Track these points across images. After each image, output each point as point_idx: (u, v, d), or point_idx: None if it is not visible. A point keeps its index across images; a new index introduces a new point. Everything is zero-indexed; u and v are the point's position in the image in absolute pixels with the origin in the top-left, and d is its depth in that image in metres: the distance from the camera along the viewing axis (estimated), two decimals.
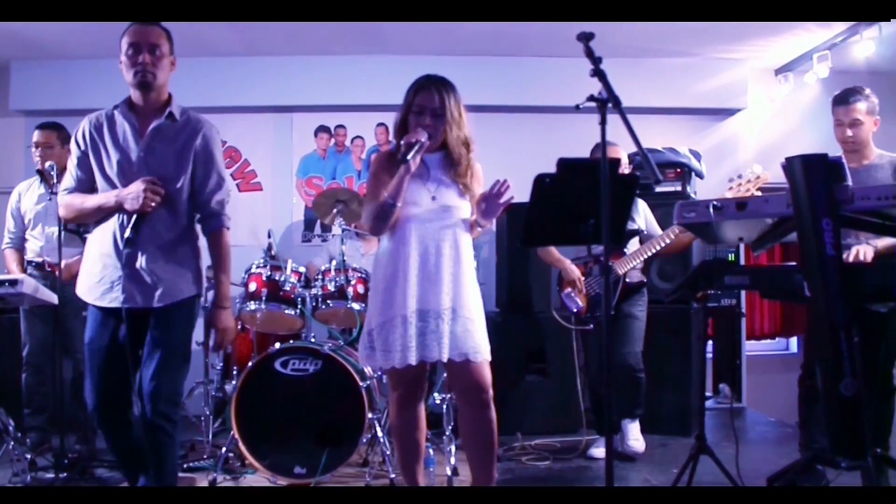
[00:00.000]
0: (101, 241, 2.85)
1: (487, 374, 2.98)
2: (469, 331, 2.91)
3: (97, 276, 2.84)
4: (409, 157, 2.86)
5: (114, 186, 2.84)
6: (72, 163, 2.93)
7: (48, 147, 4.39)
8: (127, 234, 2.77)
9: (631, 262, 4.29)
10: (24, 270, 4.38)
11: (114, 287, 2.80)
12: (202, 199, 2.94)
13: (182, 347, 2.92)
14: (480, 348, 2.93)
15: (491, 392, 2.99)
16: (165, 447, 2.83)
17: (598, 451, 4.43)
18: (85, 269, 2.90)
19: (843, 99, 3.66)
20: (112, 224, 2.83)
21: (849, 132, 3.63)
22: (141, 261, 2.81)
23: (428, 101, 2.97)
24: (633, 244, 4.43)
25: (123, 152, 2.85)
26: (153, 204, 2.77)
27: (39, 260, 4.36)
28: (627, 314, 4.41)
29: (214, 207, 2.96)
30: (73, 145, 2.93)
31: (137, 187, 2.75)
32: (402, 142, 2.93)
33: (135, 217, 2.77)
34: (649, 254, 4.26)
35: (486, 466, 3.05)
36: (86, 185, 2.90)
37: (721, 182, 6.09)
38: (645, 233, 4.43)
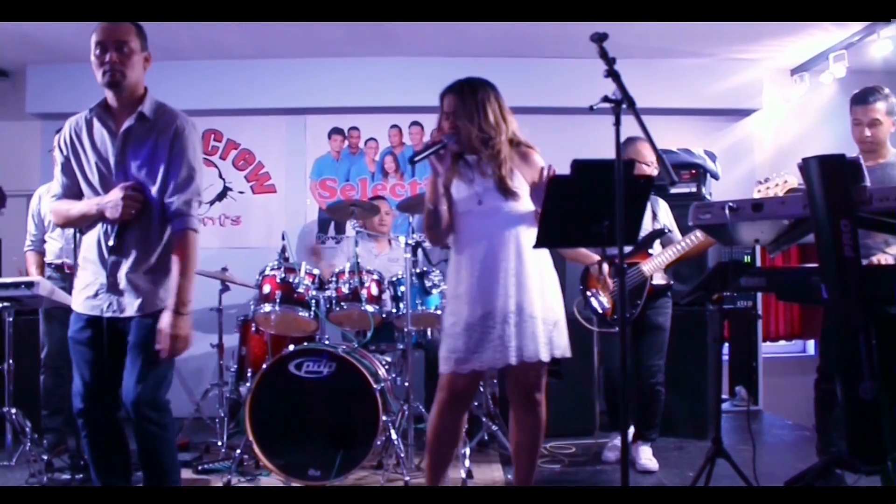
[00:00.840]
0: (88, 248, 2.82)
1: (540, 374, 2.99)
2: (536, 331, 2.89)
3: (83, 283, 2.81)
4: (416, 159, 2.90)
5: (96, 193, 2.78)
6: (56, 169, 2.86)
7: None
8: (111, 242, 2.73)
9: (659, 263, 4.22)
10: (43, 273, 4.41)
11: (98, 295, 2.76)
12: (167, 197, 2.75)
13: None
14: (546, 349, 2.90)
15: (543, 393, 3.02)
16: (157, 449, 2.77)
17: (612, 454, 4.41)
18: (77, 277, 2.88)
19: (863, 98, 3.62)
20: (97, 231, 2.78)
21: (867, 132, 3.60)
22: (124, 269, 2.74)
23: (446, 106, 3.00)
24: (658, 245, 4.38)
25: (101, 157, 2.77)
26: (133, 211, 2.69)
27: (59, 262, 4.38)
28: (655, 325, 4.33)
29: (179, 207, 2.74)
30: (55, 151, 2.85)
31: (116, 195, 2.68)
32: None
33: (117, 225, 2.72)
34: (675, 254, 4.19)
35: (528, 466, 3.09)
36: (71, 190, 2.83)
37: (736, 183, 6.12)
38: (670, 234, 4.38)
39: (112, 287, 2.75)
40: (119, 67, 2.69)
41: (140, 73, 2.77)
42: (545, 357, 2.90)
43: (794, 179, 3.60)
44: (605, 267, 4.28)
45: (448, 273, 3.09)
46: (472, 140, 2.94)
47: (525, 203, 2.96)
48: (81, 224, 2.84)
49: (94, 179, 2.78)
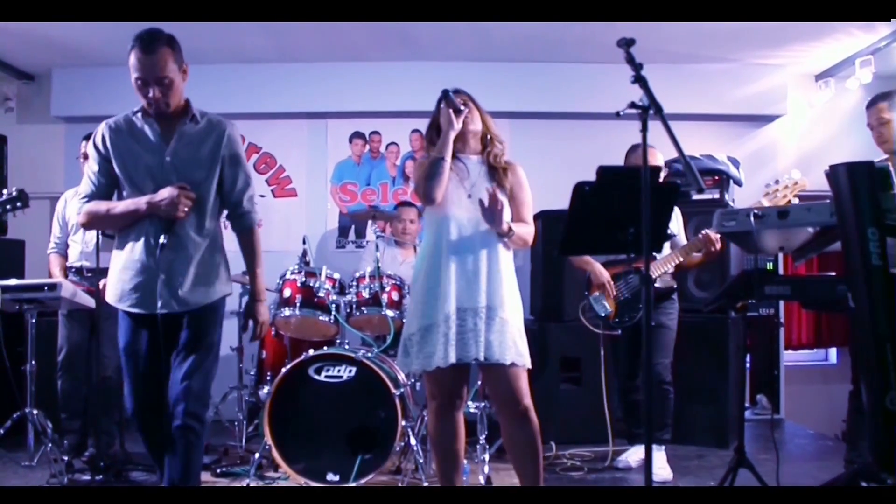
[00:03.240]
0: (133, 247, 2.83)
1: (522, 383, 2.93)
2: (504, 332, 2.88)
3: (130, 283, 2.83)
4: (450, 95, 2.96)
5: (141, 192, 2.81)
6: (90, 168, 2.89)
7: None
8: (162, 240, 2.76)
9: (662, 268, 4.22)
10: (66, 276, 4.43)
11: (149, 293, 2.80)
12: (234, 198, 2.97)
13: (214, 347, 2.93)
14: (513, 352, 2.88)
15: (528, 402, 2.95)
16: (193, 447, 2.83)
17: (623, 462, 4.40)
18: (115, 275, 2.88)
19: (870, 102, 3.79)
20: (141, 230, 2.82)
21: (882, 131, 3.71)
22: (175, 265, 2.81)
23: (459, 98, 3.05)
24: (666, 249, 4.36)
25: (150, 157, 2.83)
26: (186, 209, 2.78)
27: (79, 265, 4.40)
28: (658, 323, 4.30)
29: (246, 206, 3.00)
30: (90, 150, 2.89)
31: (171, 193, 2.75)
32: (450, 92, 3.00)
33: (164, 223, 2.78)
34: (677, 261, 4.21)
35: (530, 478, 3.01)
36: (105, 190, 2.88)
37: (760, 189, 5.96)
38: (676, 238, 4.37)
39: (165, 283, 2.80)
40: (163, 101, 2.78)
41: (182, 88, 2.86)
42: (509, 360, 2.87)
43: (805, 180, 3.58)
44: (606, 272, 4.30)
45: (416, 269, 3.08)
46: (492, 131, 3.07)
47: (506, 209, 2.97)
48: (123, 223, 2.85)
49: (140, 179, 2.82)
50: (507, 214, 2.95)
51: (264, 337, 4.84)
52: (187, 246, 2.84)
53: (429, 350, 2.90)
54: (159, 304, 2.79)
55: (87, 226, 3.00)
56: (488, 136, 3.08)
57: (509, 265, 3.01)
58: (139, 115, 2.86)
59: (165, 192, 2.76)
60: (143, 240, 2.81)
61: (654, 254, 4.22)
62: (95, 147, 2.86)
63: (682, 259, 4.20)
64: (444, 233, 2.97)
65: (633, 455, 4.42)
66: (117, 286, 2.86)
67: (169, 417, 2.82)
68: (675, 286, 4.46)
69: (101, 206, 2.85)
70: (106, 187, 2.88)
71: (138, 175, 2.83)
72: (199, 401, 2.83)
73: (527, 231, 3.04)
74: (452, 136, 2.95)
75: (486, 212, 2.91)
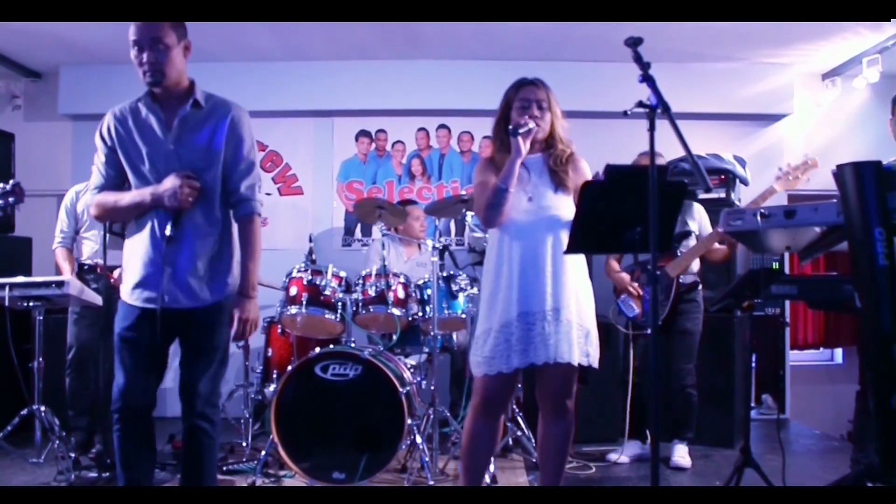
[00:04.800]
0: (140, 240, 2.75)
1: (572, 380, 2.96)
2: (570, 333, 2.86)
3: (138, 276, 2.75)
4: (520, 131, 2.85)
5: (146, 182, 2.72)
6: (99, 160, 2.80)
7: None
8: (168, 232, 2.69)
9: (684, 264, 4.29)
10: (74, 268, 4.42)
11: (154, 287, 2.71)
12: (231, 184, 2.80)
13: (224, 346, 2.84)
14: (578, 352, 2.87)
15: (573, 399, 2.98)
16: (207, 448, 2.81)
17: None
18: (126, 269, 2.81)
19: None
20: (149, 222, 2.73)
21: None
22: (183, 259, 2.72)
23: (532, 94, 2.98)
24: (686, 247, 4.39)
25: (153, 145, 2.73)
26: (191, 199, 2.68)
27: (92, 263, 4.41)
28: (683, 329, 4.40)
29: (244, 193, 2.81)
30: (98, 141, 2.80)
31: (173, 183, 2.65)
32: (510, 125, 2.91)
33: (172, 214, 2.70)
34: (695, 254, 4.26)
35: (553, 476, 3.05)
36: (114, 181, 2.79)
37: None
38: (698, 236, 4.39)
39: (172, 277, 2.71)
40: (157, 66, 2.65)
41: (181, 64, 2.73)
42: (576, 361, 2.86)
43: (816, 158, 3.58)
44: (626, 276, 4.38)
45: (485, 269, 3.05)
46: (561, 132, 3.00)
47: (570, 207, 2.93)
48: (131, 215, 2.78)
49: (145, 168, 2.74)
50: (568, 208, 2.93)
51: (269, 335, 4.92)
52: (195, 238, 2.74)
53: (491, 354, 2.87)
54: (166, 298, 2.70)
55: (99, 218, 2.91)
56: (554, 138, 3.01)
57: (576, 265, 2.96)
58: (143, 101, 2.76)
59: (168, 183, 2.66)
60: (149, 232, 2.73)
61: (678, 252, 4.29)
62: (101, 137, 2.78)
63: (699, 251, 4.26)
64: (505, 238, 2.94)
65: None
66: (129, 280, 2.78)
67: (150, 418, 2.79)
68: (698, 281, 4.48)
69: (109, 197, 2.77)
70: (115, 178, 2.79)
71: (143, 164, 2.74)
72: (208, 403, 2.79)
73: None
74: (518, 162, 2.89)
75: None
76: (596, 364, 2.96)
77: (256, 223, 2.84)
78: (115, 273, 3.98)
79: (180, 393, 2.78)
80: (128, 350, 2.75)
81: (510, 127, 2.89)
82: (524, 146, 2.87)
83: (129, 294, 2.79)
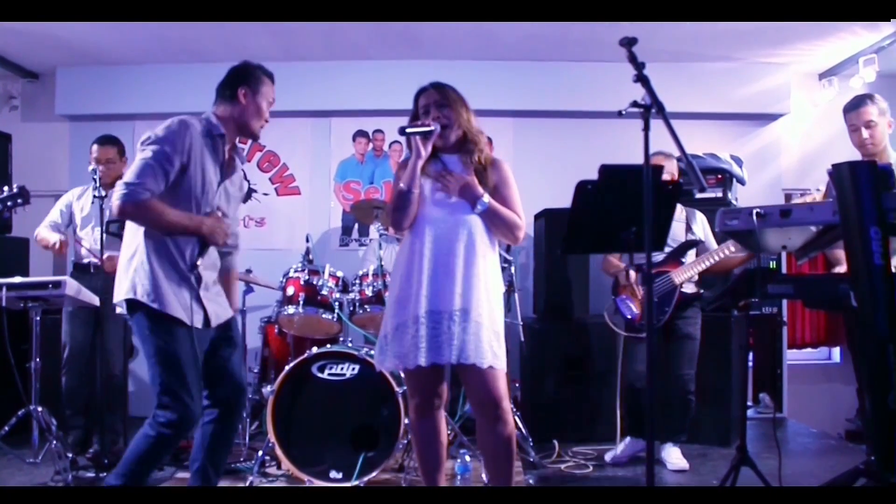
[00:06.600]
0: (171, 261, 2.83)
1: (499, 386, 2.88)
2: (477, 335, 2.82)
3: (186, 299, 2.83)
4: (408, 131, 2.90)
5: (192, 207, 2.85)
6: (166, 162, 2.75)
7: (111, 163, 4.41)
8: (198, 261, 2.88)
9: (689, 273, 4.27)
10: (64, 242, 4.38)
11: (198, 308, 2.89)
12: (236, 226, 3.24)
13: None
14: (488, 355, 2.82)
15: (505, 404, 2.90)
16: (231, 443, 3.16)
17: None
18: (167, 287, 2.80)
19: (854, 104, 3.72)
20: (182, 243, 2.85)
21: (865, 134, 3.66)
22: (209, 282, 2.96)
23: (428, 98, 3.02)
24: (692, 255, 4.39)
25: (209, 177, 2.91)
26: (226, 241, 2.97)
27: (86, 262, 4.41)
28: (685, 334, 4.38)
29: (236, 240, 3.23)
30: (173, 148, 2.76)
31: (225, 226, 2.92)
32: (407, 127, 2.94)
33: (202, 243, 2.90)
34: (705, 265, 4.24)
35: (502, 479, 2.96)
36: (159, 192, 2.76)
37: (763, 188, 6.07)
38: (703, 244, 4.39)
39: (209, 299, 2.95)
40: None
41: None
42: (486, 363, 2.82)
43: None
44: (633, 274, 4.33)
45: (394, 267, 3.07)
46: (466, 125, 2.98)
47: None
48: (169, 232, 2.81)
49: (199, 192, 2.87)
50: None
51: (266, 335, 4.91)
52: (213, 265, 3.01)
53: (401, 350, 2.87)
54: (213, 317, 2.95)
55: (129, 216, 2.79)
56: (467, 137, 3.00)
57: (489, 266, 2.94)
58: (216, 133, 2.95)
59: (217, 222, 2.89)
60: (176, 255, 2.84)
61: (682, 260, 4.28)
62: (184, 147, 2.79)
63: (716, 260, 4.21)
64: (419, 233, 2.93)
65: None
66: (175, 300, 2.82)
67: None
68: (701, 292, 4.48)
69: (157, 205, 2.74)
70: (166, 188, 2.78)
71: (197, 189, 2.86)
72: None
73: (508, 214, 2.94)
74: (420, 164, 2.91)
75: (460, 192, 2.91)
76: (504, 366, 2.90)
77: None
78: (105, 256, 4.03)
79: (235, 389, 3.10)
80: (194, 367, 2.97)
81: (399, 127, 2.95)
82: (423, 148, 2.90)
83: (178, 312, 2.88)
